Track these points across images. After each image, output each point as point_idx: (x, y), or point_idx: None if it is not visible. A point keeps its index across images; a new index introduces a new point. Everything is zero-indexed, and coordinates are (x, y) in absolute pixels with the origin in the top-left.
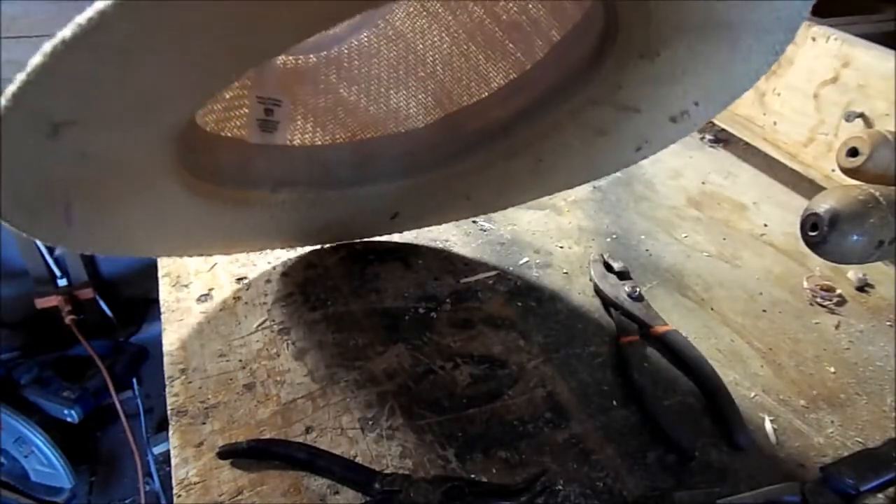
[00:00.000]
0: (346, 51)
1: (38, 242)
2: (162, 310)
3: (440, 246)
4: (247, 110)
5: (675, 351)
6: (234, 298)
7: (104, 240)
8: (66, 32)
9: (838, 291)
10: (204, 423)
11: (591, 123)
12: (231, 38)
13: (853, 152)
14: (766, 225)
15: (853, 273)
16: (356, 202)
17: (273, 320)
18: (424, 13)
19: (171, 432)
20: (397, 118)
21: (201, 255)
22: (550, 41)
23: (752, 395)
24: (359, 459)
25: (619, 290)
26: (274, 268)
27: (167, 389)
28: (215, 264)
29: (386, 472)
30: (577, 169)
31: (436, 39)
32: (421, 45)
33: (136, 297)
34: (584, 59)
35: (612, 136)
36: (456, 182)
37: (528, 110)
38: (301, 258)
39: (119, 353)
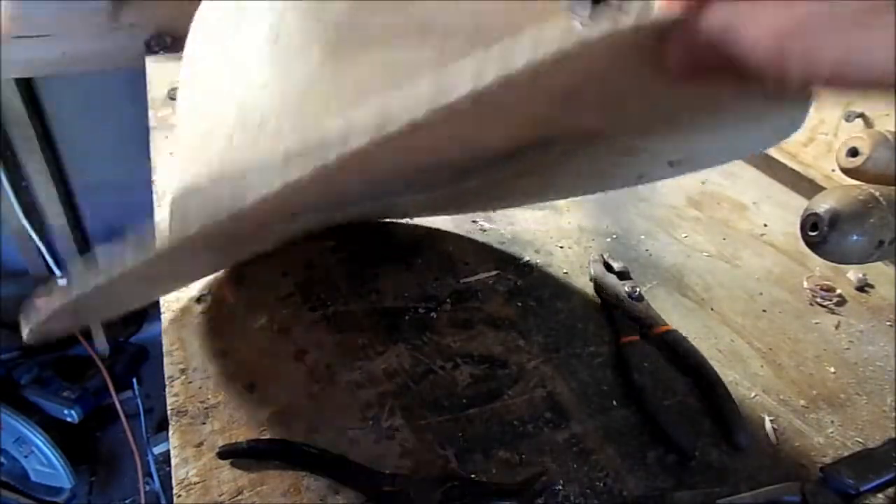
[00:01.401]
0: None
1: (38, 242)
2: (162, 310)
3: (440, 246)
4: None
5: (675, 351)
6: (235, 298)
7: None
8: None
9: (838, 291)
10: (204, 423)
11: (587, 159)
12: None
13: (853, 152)
14: (766, 225)
15: (853, 273)
16: (367, 210)
17: (273, 320)
18: None
19: (171, 432)
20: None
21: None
22: None
23: (752, 395)
24: (359, 459)
25: (619, 290)
26: (274, 267)
27: (167, 389)
28: None
29: (386, 472)
30: (577, 184)
31: None
32: None
33: None
34: None
35: (611, 171)
36: (466, 195)
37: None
38: (301, 258)
39: (119, 353)
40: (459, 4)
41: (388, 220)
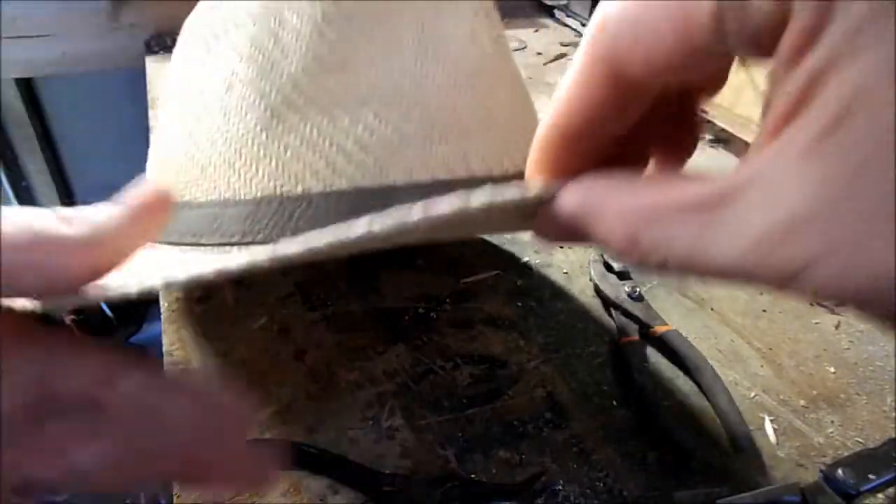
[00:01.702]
0: None
1: None
2: (162, 310)
3: (440, 246)
4: None
5: (675, 351)
6: (235, 298)
7: None
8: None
9: None
10: None
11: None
12: None
13: None
14: None
15: None
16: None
17: (273, 320)
18: None
19: None
20: None
21: None
22: None
23: (752, 395)
24: (359, 459)
25: (619, 290)
26: (274, 268)
27: None
28: None
29: (386, 472)
30: None
31: None
32: None
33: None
34: None
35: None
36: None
37: None
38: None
39: None
40: (400, 82)
41: None
